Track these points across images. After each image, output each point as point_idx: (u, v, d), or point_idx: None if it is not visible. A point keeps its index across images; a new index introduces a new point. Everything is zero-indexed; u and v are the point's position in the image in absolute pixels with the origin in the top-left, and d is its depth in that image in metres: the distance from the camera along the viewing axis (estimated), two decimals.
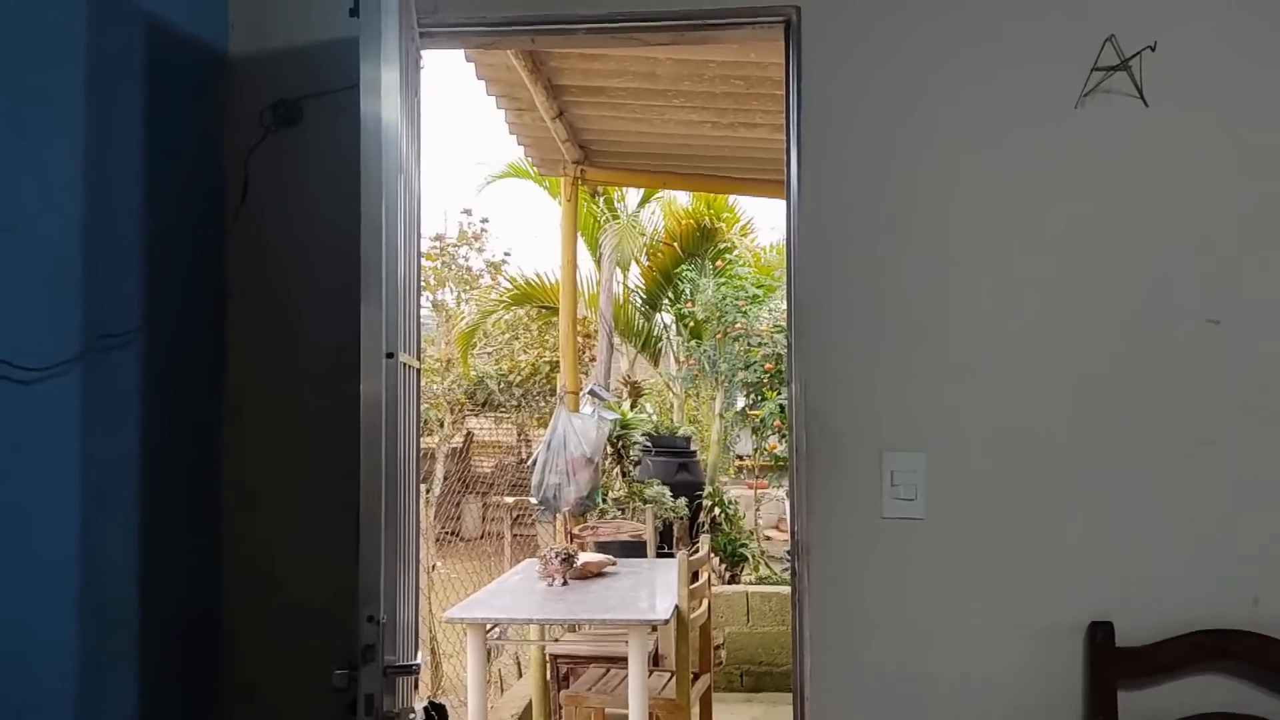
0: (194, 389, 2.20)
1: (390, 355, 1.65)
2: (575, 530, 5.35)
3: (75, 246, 1.82)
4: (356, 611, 1.56)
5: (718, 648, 5.44)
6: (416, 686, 2.18)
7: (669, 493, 6.49)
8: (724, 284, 7.83)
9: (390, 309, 1.70)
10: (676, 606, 3.79)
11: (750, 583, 6.27)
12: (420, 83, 2.24)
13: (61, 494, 1.78)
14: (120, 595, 1.94)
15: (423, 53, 2.38)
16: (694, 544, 5.93)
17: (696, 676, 4.10)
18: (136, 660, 1.96)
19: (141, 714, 1.96)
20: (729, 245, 8.60)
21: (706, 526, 6.64)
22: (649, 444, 6.93)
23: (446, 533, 7.94)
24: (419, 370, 2.23)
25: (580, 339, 7.48)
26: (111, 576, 1.91)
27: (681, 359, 8.56)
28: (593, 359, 8.00)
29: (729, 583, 6.27)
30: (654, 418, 8.22)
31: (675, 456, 7.00)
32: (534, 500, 5.77)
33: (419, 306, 2.28)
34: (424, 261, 9.00)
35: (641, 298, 8.91)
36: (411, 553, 2.09)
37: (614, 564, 4.59)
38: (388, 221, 1.67)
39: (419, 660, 1.81)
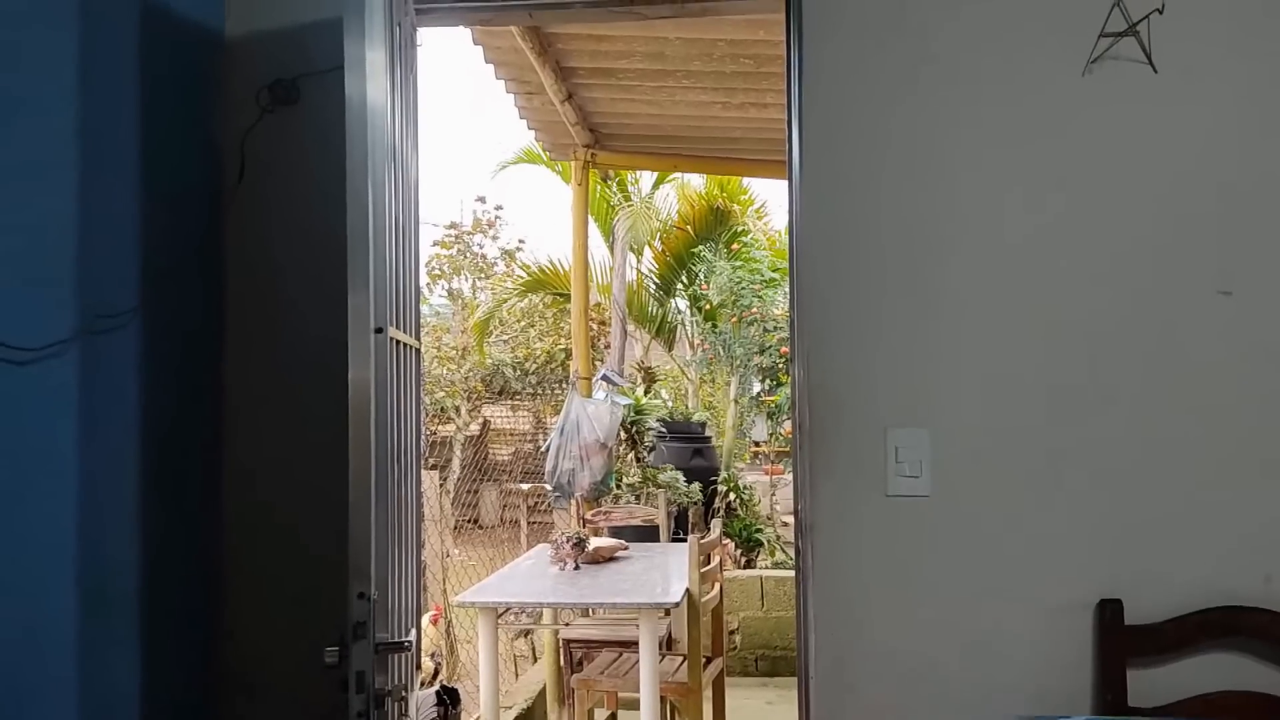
0: (193, 369, 2.19)
1: (379, 330, 1.64)
2: (588, 515, 5.34)
3: (70, 227, 1.82)
4: (347, 588, 1.56)
5: (732, 632, 5.43)
6: (419, 667, 2.17)
7: (683, 478, 6.47)
8: (739, 267, 7.78)
9: (379, 284, 1.68)
10: (688, 590, 3.77)
11: (766, 568, 6.24)
12: (416, 60, 2.22)
13: (59, 475, 1.78)
14: (121, 576, 1.94)
15: (423, 31, 2.36)
16: (708, 529, 5.91)
17: (709, 660, 4.08)
18: (137, 641, 1.96)
19: (142, 694, 1.96)
20: (743, 228, 8.54)
21: (721, 512, 6.62)
22: (663, 430, 6.91)
23: (465, 520, 7.96)
24: (419, 351, 2.22)
25: (594, 325, 7.47)
26: (112, 557, 1.91)
27: (696, 344, 8.53)
28: (607, 345, 7.98)
29: (744, 568, 6.25)
30: (669, 403, 8.19)
31: (690, 442, 6.98)
32: (549, 486, 5.77)
33: (418, 288, 2.26)
34: (440, 250, 9.05)
35: (655, 282, 8.88)
36: (411, 533, 2.07)
37: (626, 548, 4.57)
38: (374, 197, 1.65)
39: (412, 638, 1.80)
